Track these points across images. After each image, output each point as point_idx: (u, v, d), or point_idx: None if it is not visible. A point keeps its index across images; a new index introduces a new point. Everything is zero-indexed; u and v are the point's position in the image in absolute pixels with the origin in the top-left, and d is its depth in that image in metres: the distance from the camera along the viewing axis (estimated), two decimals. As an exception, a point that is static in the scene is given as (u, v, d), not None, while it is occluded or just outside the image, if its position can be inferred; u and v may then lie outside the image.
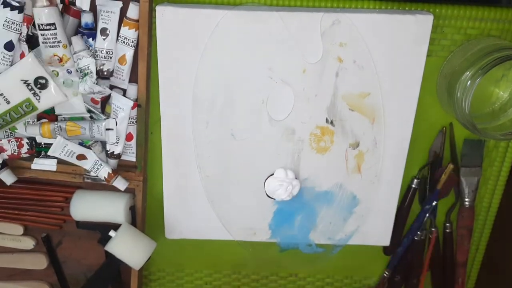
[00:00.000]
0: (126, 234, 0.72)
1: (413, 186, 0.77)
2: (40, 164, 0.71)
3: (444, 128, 0.74)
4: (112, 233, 0.72)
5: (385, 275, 0.85)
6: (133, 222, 0.75)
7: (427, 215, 0.78)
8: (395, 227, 0.78)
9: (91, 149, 0.70)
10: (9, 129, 0.69)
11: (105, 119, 0.68)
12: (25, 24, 0.62)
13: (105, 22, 0.64)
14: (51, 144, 0.69)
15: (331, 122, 0.70)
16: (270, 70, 0.67)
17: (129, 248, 0.72)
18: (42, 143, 0.71)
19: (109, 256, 0.73)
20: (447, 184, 0.76)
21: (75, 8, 0.64)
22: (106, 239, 0.72)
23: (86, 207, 0.73)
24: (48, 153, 0.69)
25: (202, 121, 0.70)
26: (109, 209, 0.73)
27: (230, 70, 0.67)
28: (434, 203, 0.77)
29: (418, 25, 0.65)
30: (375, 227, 0.78)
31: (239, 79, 0.67)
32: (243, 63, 0.66)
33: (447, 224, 0.80)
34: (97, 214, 0.73)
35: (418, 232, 0.80)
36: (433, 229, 0.80)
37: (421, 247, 0.82)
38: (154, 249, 0.74)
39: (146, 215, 0.78)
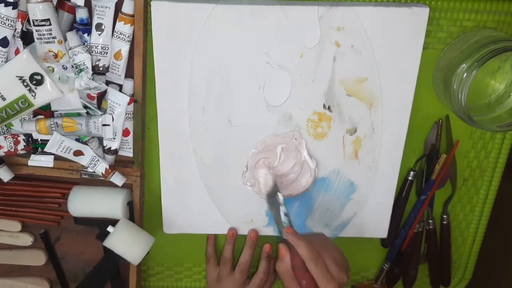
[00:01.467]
0: (124, 229, 0.72)
1: (410, 178, 0.77)
2: (37, 161, 0.71)
3: (440, 120, 0.74)
4: (110, 228, 0.72)
5: (384, 267, 0.85)
6: (131, 218, 0.75)
7: (424, 207, 0.78)
8: (392, 219, 0.78)
9: (87, 145, 0.70)
10: (5, 125, 0.69)
11: (101, 114, 0.68)
12: (20, 20, 0.62)
13: (100, 18, 0.64)
14: (48, 140, 0.69)
15: (329, 108, 0.70)
16: (267, 55, 0.67)
17: (127, 243, 0.72)
18: (39, 140, 0.71)
19: (107, 251, 0.73)
20: (443, 175, 0.76)
21: (69, 4, 0.63)
22: (104, 234, 0.72)
23: (83, 203, 0.73)
24: (45, 150, 0.69)
25: (199, 108, 0.69)
26: (107, 204, 0.73)
27: (226, 56, 0.66)
28: (429, 194, 0.77)
29: (414, 18, 0.65)
30: (373, 220, 0.78)
31: (236, 65, 0.67)
32: (240, 48, 0.66)
33: (444, 216, 0.81)
34: (95, 210, 0.73)
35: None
36: (430, 220, 0.80)
37: (419, 238, 0.82)
38: (152, 244, 0.74)
39: (144, 211, 0.78)
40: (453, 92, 0.64)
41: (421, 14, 0.64)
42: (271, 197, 0.73)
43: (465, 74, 0.62)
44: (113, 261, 0.75)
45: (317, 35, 0.65)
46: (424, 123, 0.74)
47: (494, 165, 0.78)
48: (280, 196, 0.71)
